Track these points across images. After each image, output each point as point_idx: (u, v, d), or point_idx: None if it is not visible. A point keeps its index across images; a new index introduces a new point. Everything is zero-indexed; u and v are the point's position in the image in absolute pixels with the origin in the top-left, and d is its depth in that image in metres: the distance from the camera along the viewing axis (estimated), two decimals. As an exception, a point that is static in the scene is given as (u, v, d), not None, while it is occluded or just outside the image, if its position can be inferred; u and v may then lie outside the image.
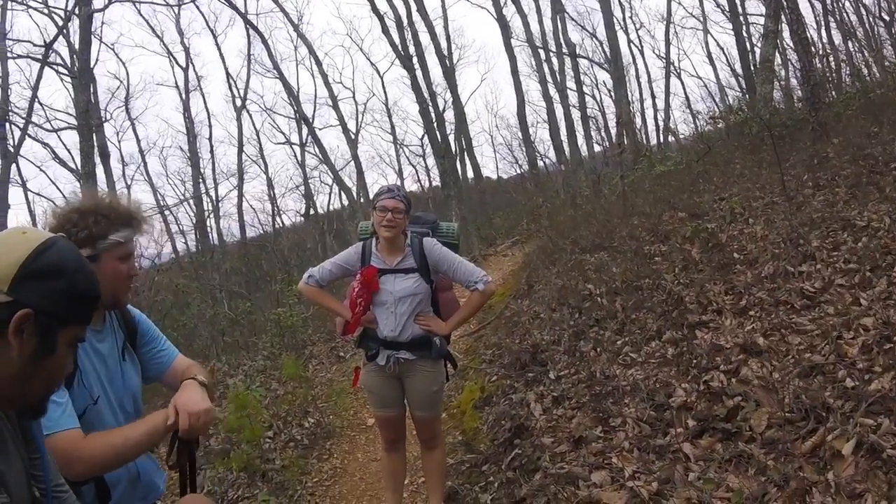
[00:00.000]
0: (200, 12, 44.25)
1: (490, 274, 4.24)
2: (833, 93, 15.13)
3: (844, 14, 24.18)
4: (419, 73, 21.88)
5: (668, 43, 33.98)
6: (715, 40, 50.76)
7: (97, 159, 15.45)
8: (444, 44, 29.12)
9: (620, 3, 33.53)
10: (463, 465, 5.12)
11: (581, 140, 27.56)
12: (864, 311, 4.20)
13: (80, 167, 16.33)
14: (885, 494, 2.57)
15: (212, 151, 34.56)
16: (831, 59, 21.01)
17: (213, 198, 33.99)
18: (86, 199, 2.34)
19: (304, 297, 4.54)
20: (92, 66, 18.57)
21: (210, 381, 2.38)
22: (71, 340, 1.50)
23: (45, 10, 20.60)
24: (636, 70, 36.54)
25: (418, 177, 42.95)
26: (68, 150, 27.79)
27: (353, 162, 31.03)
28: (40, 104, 24.02)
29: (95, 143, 14.62)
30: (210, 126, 42.33)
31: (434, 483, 4.26)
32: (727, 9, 24.64)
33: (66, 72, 21.64)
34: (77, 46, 15.26)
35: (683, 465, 3.36)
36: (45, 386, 1.50)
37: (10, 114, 19.58)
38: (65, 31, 20.14)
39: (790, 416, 3.33)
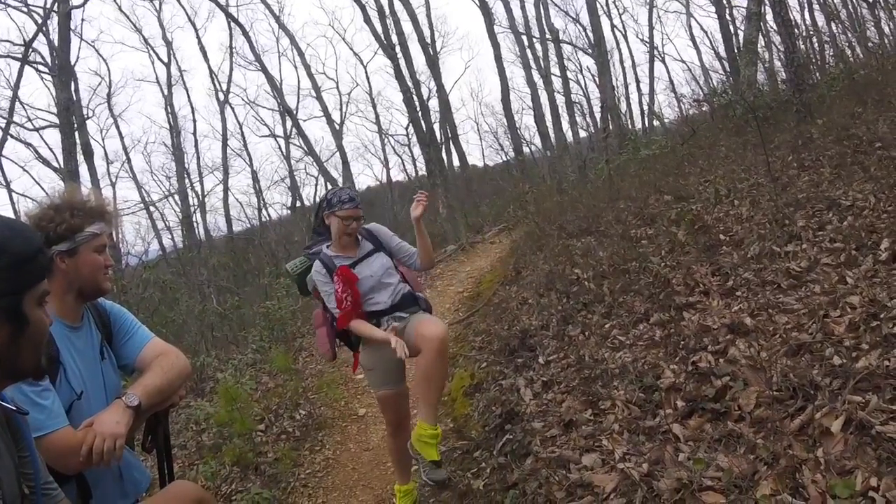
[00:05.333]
0: (181, 6, 43.99)
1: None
2: (817, 74, 15.17)
3: (828, -5, 24.24)
4: (402, 61, 21.79)
5: (651, 27, 34.25)
6: (698, 24, 51.09)
7: (80, 157, 15.36)
8: (427, 32, 29.00)
9: (604, -11, 33.49)
10: (455, 451, 5.13)
11: (566, 126, 27.59)
12: (850, 290, 4.21)
13: (63, 166, 16.22)
14: (874, 470, 2.58)
15: (196, 146, 34.47)
16: (815, 40, 21.10)
17: (199, 193, 33.87)
18: (59, 195, 2.36)
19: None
20: (72, 63, 18.46)
21: (150, 400, 2.30)
22: (38, 300, 1.48)
23: (24, 8, 20.39)
24: (620, 55, 36.75)
25: (404, 166, 43.05)
26: (51, 149, 27.70)
27: (338, 153, 31.00)
28: (21, 103, 23.88)
29: (78, 141, 14.55)
30: (194, 121, 42.34)
31: (431, 394, 4.03)
32: (710, -9, 24.68)
33: (46, 70, 21.51)
34: (57, 44, 15.11)
35: (673, 446, 3.36)
36: (34, 351, 1.50)
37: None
38: (44, 28, 19.96)
39: (778, 394, 3.34)
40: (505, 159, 40.89)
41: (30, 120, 25.46)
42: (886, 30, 19.98)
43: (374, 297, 4.13)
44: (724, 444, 3.19)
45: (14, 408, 1.60)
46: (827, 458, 2.73)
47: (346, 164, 30.21)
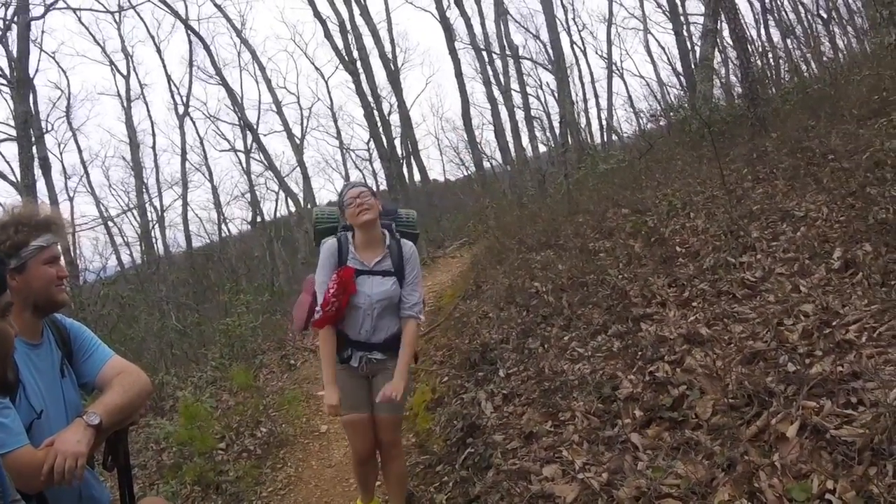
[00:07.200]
0: (142, 19, 43.76)
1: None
2: (772, 89, 15.38)
3: (783, 12, 24.76)
4: (363, 77, 21.88)
5: (609, 43, 34.57)
6: (656, 40, 51.53)
7: (38, 171, 15.13)
8: (388, 47, 29.15)
9: (563, 5, 34.00)
10: (417, 466, 5.13)
11: (526, 140, 27.72)
12: (803, 298, 4.30)
13: (20, 180, 15.94)
14: (830, 473, 2.62)
15: (155, 160, 34.16)
16: (770, 56, 21.47)
17: (158, 208, 33.55)
18: (5, 212, 2.36)
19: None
20: (31, 75, 18.15)
21: (111, 419, 2.28)
22: (0, 313, 1.46)
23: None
24: (579, 70, 37.00)
25: (365, 181, 42.83)
26: (8, 163, 27.04)
27: (298, 168, 30.85)
28: (-21, 116, 23.48)
29: (36, 155, 14.31)
30: (153, 135, 41.63)
31: (396, 492, 4.19)
32: (667, 9, 25.07)
33: (4, 82, 21.17)
34: (15, 55, 14.88)
35: (632, 455, 3.39)
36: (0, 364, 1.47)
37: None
38: (3, 40, 19.63)
39: (734, 402, 3.39)
40: (466, 174, 41.01)
41: (-14, 133, 24.99)
42: (840, 44, 20.45)
43: (355, 320, 3.90)
44: (681, 452, 3.23)
45: None
46: (783, 462, 2.77)
47: (306, 178, 30.16)
